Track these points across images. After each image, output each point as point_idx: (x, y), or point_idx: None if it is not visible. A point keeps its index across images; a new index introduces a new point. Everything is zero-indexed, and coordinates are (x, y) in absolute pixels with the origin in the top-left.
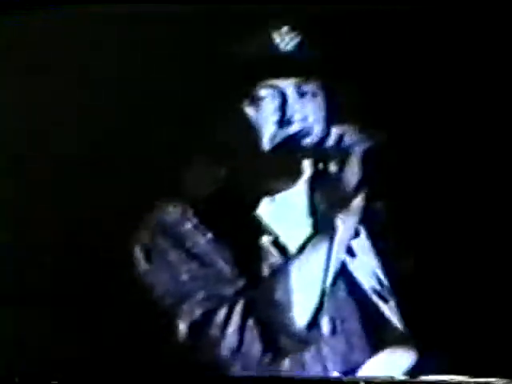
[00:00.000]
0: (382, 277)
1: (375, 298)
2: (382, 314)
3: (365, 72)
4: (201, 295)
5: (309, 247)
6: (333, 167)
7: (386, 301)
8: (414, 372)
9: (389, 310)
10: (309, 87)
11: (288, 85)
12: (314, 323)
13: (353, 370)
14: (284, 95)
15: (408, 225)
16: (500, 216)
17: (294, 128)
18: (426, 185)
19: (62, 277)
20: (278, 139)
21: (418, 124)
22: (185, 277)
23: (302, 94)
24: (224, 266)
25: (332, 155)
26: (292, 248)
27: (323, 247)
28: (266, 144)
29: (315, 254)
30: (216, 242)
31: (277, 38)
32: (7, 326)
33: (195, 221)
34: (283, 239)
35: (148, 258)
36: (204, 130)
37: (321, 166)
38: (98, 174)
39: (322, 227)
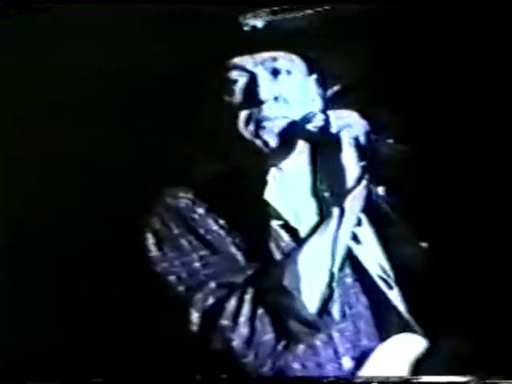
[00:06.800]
0: (385, 265)
1: (381, 284)
2: (388, 300)
3: None
4: (213, 284)
5: (315, 232)
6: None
7: (390, 288)
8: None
9: (394, 297)
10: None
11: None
12: (324, 309)
13: (364, 354)
14: None
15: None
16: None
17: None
18: (434, 172)
19: (75, 267)
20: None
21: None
22: (197, 264)
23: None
24: (235, 253)
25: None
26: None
27: (329, 232)
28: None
29: (322, 238)
30: (227, 227)
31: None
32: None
33: (205, 206)
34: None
35: (159, 244)
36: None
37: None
38: (105, 166)
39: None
